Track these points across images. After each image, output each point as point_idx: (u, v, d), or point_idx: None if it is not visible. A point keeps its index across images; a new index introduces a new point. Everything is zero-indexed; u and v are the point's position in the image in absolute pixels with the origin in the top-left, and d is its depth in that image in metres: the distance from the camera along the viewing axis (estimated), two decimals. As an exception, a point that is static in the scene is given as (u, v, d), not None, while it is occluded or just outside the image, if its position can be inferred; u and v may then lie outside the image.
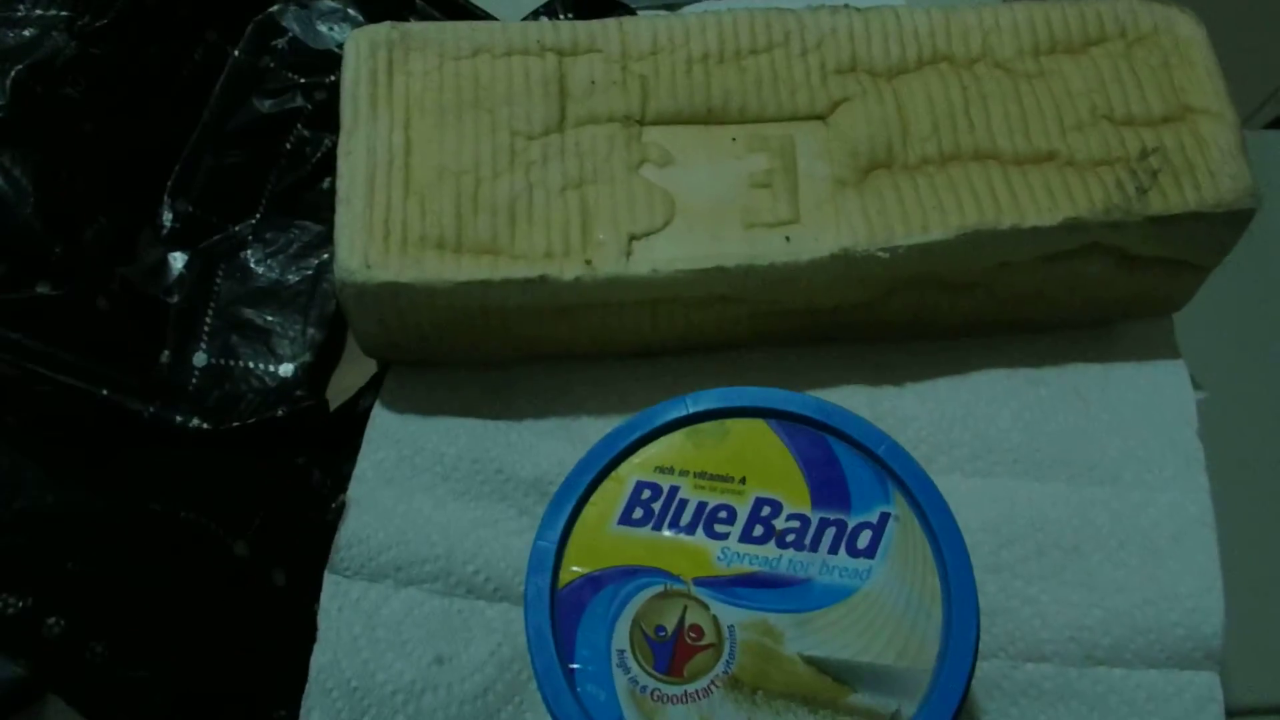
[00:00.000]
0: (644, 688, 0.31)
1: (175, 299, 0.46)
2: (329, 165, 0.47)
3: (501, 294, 0.39)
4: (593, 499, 0.33)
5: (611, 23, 0.43)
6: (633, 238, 0.39)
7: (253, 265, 0.48)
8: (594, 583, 0.32)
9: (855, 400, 0.42)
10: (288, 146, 0.50)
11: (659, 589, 0.32)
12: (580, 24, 0.43)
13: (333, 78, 0.50)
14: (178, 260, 0.47)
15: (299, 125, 0.50)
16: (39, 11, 0.47)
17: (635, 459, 0.34)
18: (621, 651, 0.31)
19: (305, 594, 0.39)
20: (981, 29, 0.42)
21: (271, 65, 0.51)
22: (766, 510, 0.33)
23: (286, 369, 0.46)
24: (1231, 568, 0.39)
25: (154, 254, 0.47)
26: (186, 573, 0.39)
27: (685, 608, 0.32)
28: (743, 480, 0.33)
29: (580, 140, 0.41)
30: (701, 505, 0.33)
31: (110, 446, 0.40)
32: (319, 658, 0.38)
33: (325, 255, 0.48)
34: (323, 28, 0.52)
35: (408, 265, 0.39)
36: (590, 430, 0.42)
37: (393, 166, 0.40)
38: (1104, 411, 0.42)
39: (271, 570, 0.40)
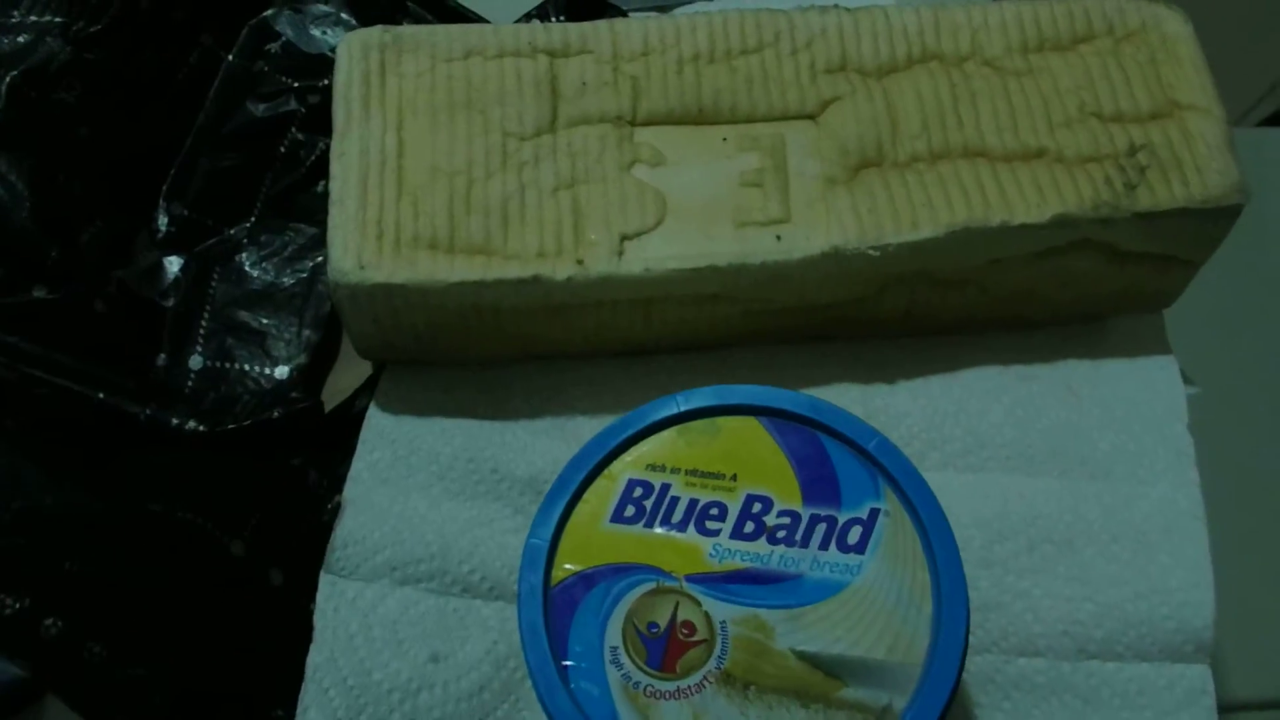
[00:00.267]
0: (637, 684, 0.31)
1: (171, 302, 0.47)
2: (323, 168, 0.48)
3: (494, 294, 0.39)
4: (585, 497, 0.34)
5: (603, 24, 0.43)
6: (624, 237, 0.40)
7: (248, 268, 0.48)
8: (587, 580, 0.32)
9: (848, 397, 0.43)
10: (282, 150, 0.50)
11: (651, 586, 0.32)
12: (571, 26, 0.43)
13: (326, 81, 0.50)
14: (173, 263, 0.48)
15: (293, 129, 0.50)
16: (34, 18, 0.47)
17: (627, 457, 0.34)
18: (614, 648, 0.31)
19: (302, 594, 0.39)
20: (970, 27, 0.43)
21: (265, 69, 0.51)
22: (757, 507, 0.33)
23: (282, 371, 0.46)
24: (1223, 562, 0.39)
25: (150, 257, 0.47)
26: (184, 573, 0.39)
27: (677, 604, 0.32)
28: (734, 477, 0.34)
29: (572, 141, 0.41)
30: (693, 502, 0.33)
31: (107, 448, 0.41)
32: (315, 657, 0.38)
33: (320, 258, 0.48)
34: (316, 32, 0.52)
35: (401, 266, 0.39)
36: (584, 429, 0.42)
37: (385, 167, 0.40)
38: (1095, 406, 0.42)
39: (268, 570, 0.41)
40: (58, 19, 0.47)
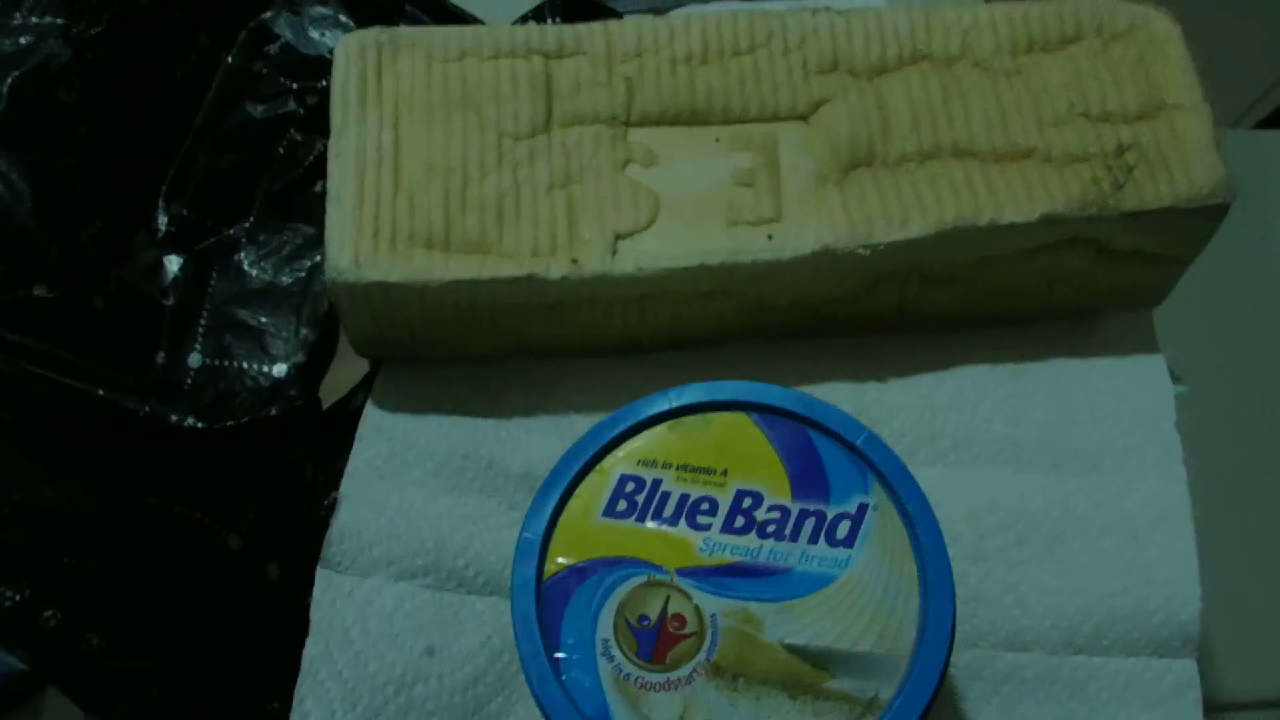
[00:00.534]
0: (627, 675, 0.31)
1: (170, 300, 0.47)
2: (322, 169, 0.48)
3: (490, 292, 0.40)
4: (578, 491, 0.34)
5: (597, 26, 0.44)
6: (618, 236, 0.40)
7: (246, 267, 0.48)
8: (579, 573, 0.33)
9: (840, 393, 0.43)
10: (281, 150, 0.51)
11: (642, 579, 0.33)
12: (566, 27, 0.44)
13: (325, 83, 0.50)
14: (173, 262, 0.48)
15: (292, 129, 0.51)
16: (35, 19, 0.47)
17: (619, 452, 0.35)
18: (605, 640, 0.32)
19: (298, 587, 0.39)
20: (961, 28, 0.43)
21: (264, 70, 0.52)
22: (748, 501, 0.33)
23: (280, 368, 0.46)
24: (1210, 558, 0.39)
25: (149, 256, 0.48)
26: (181, 566, 0.40)
27: (668, 597, 0.32)
28: (724, 472, 0.34)
29: (566, 140, 0.42)
30: (684, 497, 0.34)
31: (106, 444, 0.41)
32: (311, 649, 0.38)
33: (318, 257, 0.48)
34: (315, 33, 0.53)
35: (397, 263, 0.39)
36: (579, 425, 0.42)
37: (382, 165, 0.40)
38: (1084, 403, 0.43)
39: (265, 564, 0.41)
40: (59, 20, 0.47)
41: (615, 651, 0.31)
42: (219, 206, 0.49)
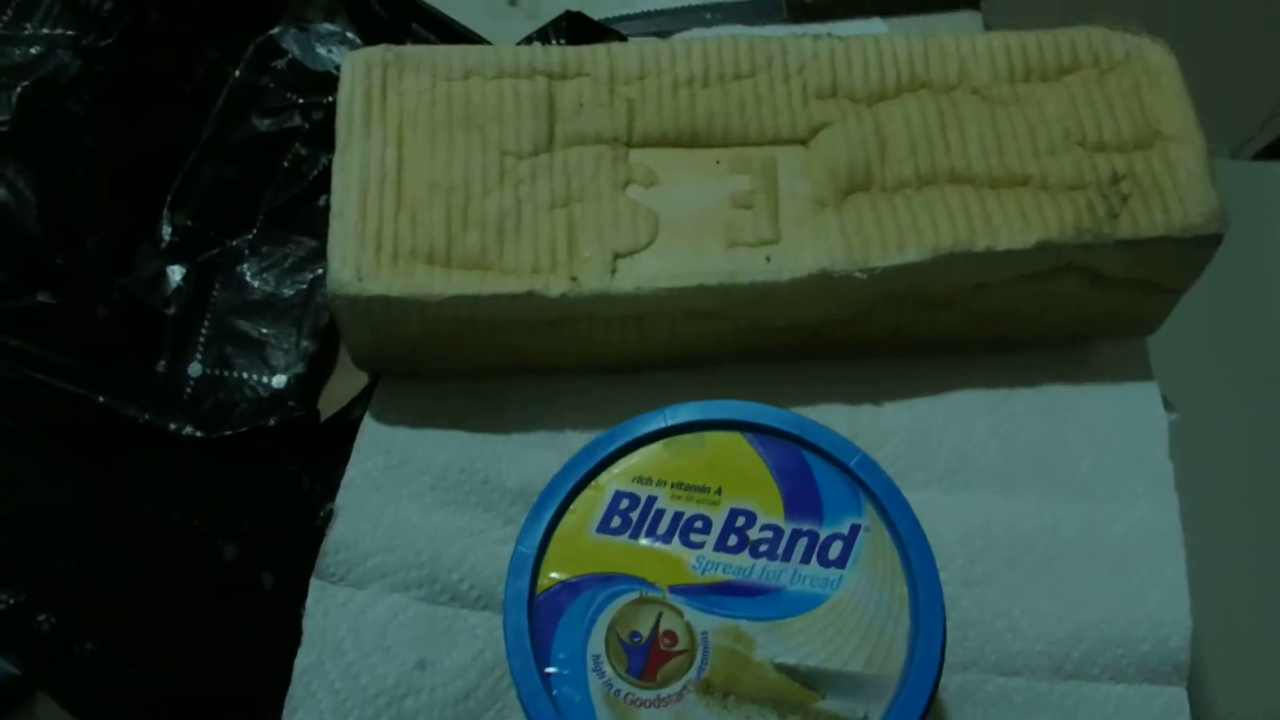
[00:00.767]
0: (618, 691, 0.31)
1: (172, 310, 0.47)
2: (325, 183, 0.48)
3: (489, 308, 0.40)
4: (572, 507, 0.34)
5: (600, 48, 0.44)
6: (617, 255, 0.41)
7: (249, 278, 0.49)
8: (571, 588, 0.33)
9: (835, 415, 0.43)
10: (285, 164, 0.51)
11: (635, 595, 0.33)
12: (570, 49, 0.44)
13: (330, 98, 0.51)
14: (176, 272, 0.48)
15: (297, 143, 0.51)
16: (45, 30, 0.48)
17: (615, 468, 0.35)
18: (597, 656, 0.32)
19: (293, 597, 0.40)
20: (959, 56, 0.44)
21: (271, 85, 0.52)
22: (741, 520, 0.34)
23: (279, 379, 0.47)
24: (1200, 585, 0.40)
25: (153, 265, 0.48)
26: (176, 574, 0.40)
27: (660, 614, 0.32)
28: (718, 491, 0.34)
29: (568, 160, 0.42)
30: (678, 515, 0.34)
31: (105, 450, 0.41)
32: (303, 660, 0.38)
33: (320, 269, 0.49)
34: (321, 50, 0.53)
35: (398, 278, 0.40)
36: (575, 441, 0.43)
37: (385, 182, 0.41)
38: (1077, 429, 0.43)
39: (260, 573, 0.41)
40: (69, 32, 0.48)
41: (606, 667, 0.32)
42: (223, 218, 0.50)
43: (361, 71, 0.43)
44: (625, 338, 0.42)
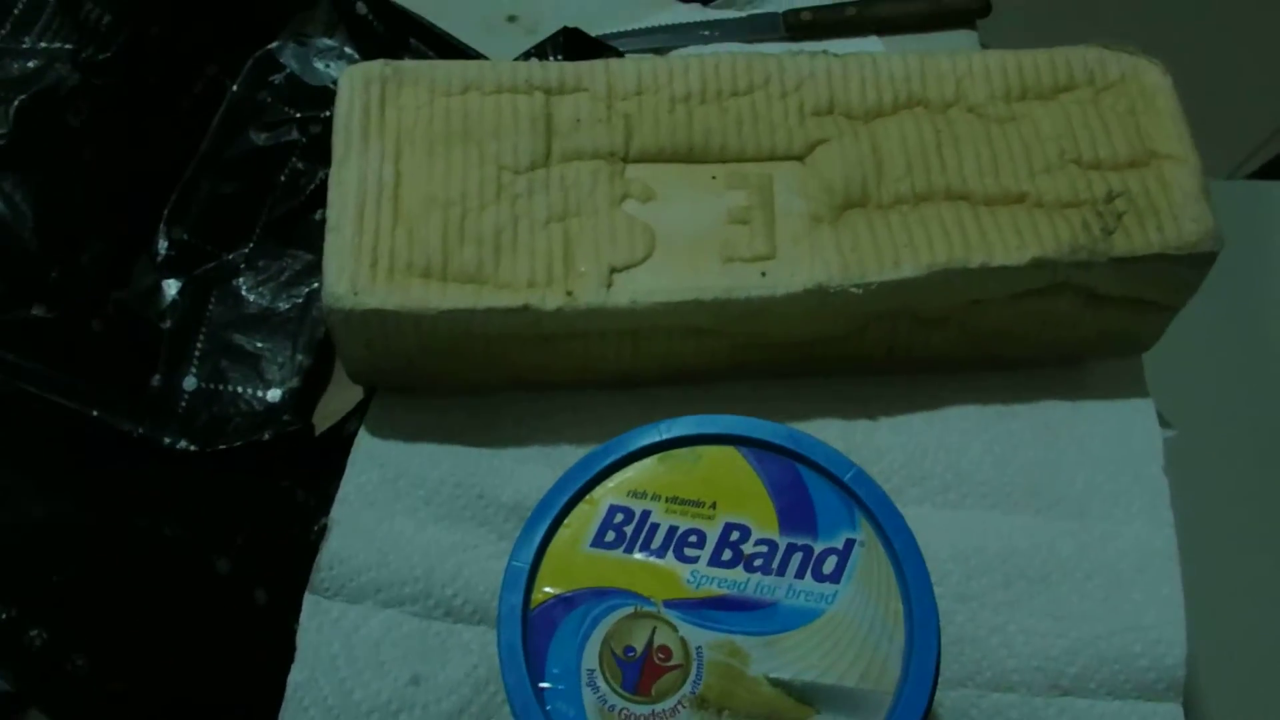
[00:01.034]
0: (612, 706, 0.31)
1: (168, 323, 0.47)
2: (322, 197, 0.48)
3: (485, 322, 0.40)
4: (567, 521, 0.34)
5: (598, 64, 0.44)
6: (613, 270, 0.41)
7: (244, 292, 0.49)
8: (566, 603, 0.33)
9: (830, 432, 0.43)
10: (282, 178, 0.51)
11: (629, 610, 0.33)
12: (568, 65, 0.44)
13: (328, 113, 0.51)
14: (171, 286, 0.48)
15: (294, 158, 0.51)
16: (44, 44, 0.48)
17: (609, 483, 0.35)
18: (591, 671, 0.32)
19: (286, 613, 0.39)
20: (955, 75, 0.44)
21: (269, 100, 0.52)
22: (735, 535, 0.34)
23: (274, 394, 0.47)
24: (1197, 605, 0.40)
25: (149, 279, 0.48)
26: (169, 589, 0.40)
27: (654, 629, 0.32)
28: (713, 505, 0.34)
29: (565, 175, 0.42)
30: (672, 529, 0.34)
31: (99, 464, 0.41)
32: (296, 675, 0.38)
33: (316, 283, 0.49)
34: (320, 65, 0.53)
35: (394, 292, 0.40)
36: (570, 457, 0.43)
37: (382, 196, 0.41)
38: (1073, 446, 0.43)
39: (253, 588, 0.41)
40: (68, 45, 0.48)
41: (600, 682, 0.32)
42: (220, 232, 0.50)
43: (359, 86, 0.43)
44: (621, 353, 0.42)
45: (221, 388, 0.46)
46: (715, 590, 0.33)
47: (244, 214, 0.50)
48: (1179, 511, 0.41)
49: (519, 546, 0.34)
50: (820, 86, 0.44)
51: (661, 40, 0.60)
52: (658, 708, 0.31)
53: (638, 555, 0.33)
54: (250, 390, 0.46)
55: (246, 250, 0.50)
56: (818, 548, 0.33)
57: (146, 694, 0.38)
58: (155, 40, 0.50)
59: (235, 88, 0.53)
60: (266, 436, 0.43)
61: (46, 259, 0.44)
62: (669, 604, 0.33)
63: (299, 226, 0.50)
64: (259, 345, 0.48)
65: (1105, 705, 0.39)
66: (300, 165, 0.51)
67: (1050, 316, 0.43)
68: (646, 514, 0.34)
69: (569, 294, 0.40)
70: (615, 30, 0.60)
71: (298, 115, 0.52)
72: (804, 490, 0.34)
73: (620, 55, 0.54)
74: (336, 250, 0.40)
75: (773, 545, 0.33)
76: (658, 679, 0.32)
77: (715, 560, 0.33)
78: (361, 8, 0.54)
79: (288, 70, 0.53)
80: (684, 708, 0.31)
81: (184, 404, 0.46)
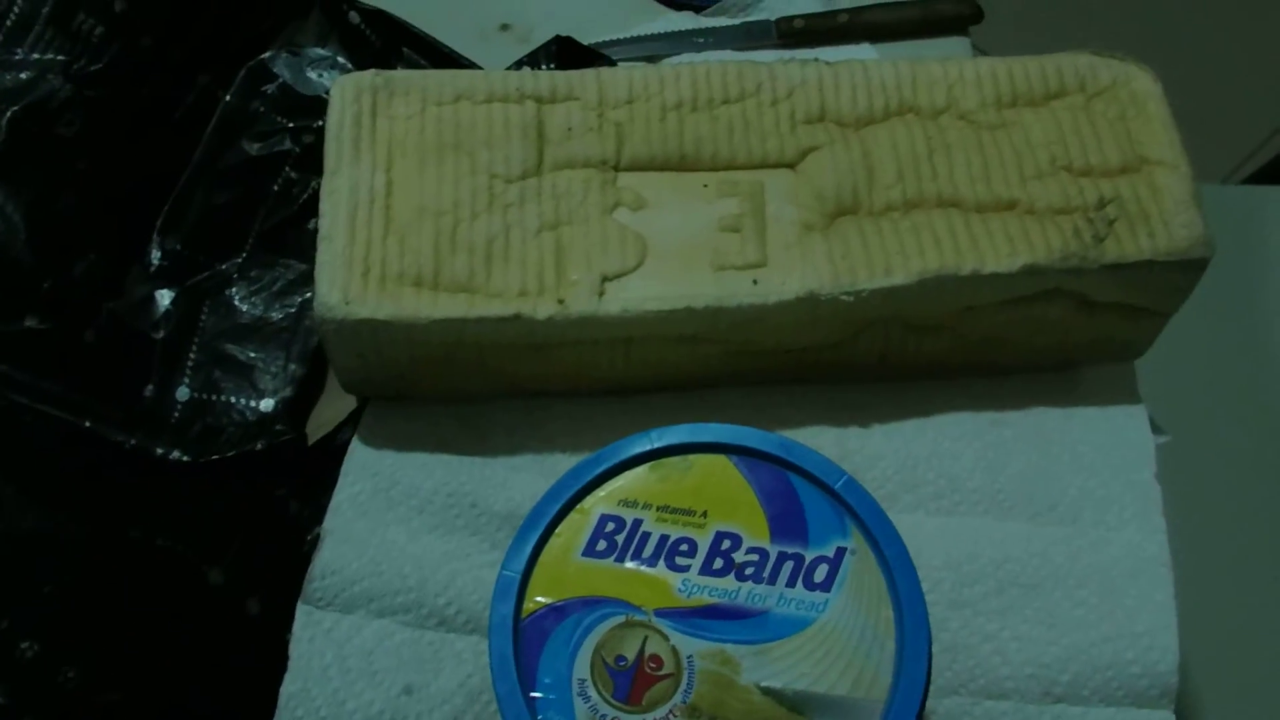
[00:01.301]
0: (604, 716, 0.31)
1: (161, 334, 0.47)
2: (315, 206, 0.49)
3: (477, 331, 0.40)
4: (558, 530, 0.34)
5: (589, 72, 0.44)
6: (605, 278, 0.41)
7: (237, 302, 0.49)
8: (557, 612, 0.33)
9: (822, 439, 0.43)
10: (275, 188, 0.51)
11: (621, 619, 0.33)
12: (559, 73, 0.44)
13: (321, 122, 0.51)
14: (164, 296, 0.48)
15: (287, 167, 0.51)
16: (36, 55, 0.48)
17: (600, 492, 0.35)
18: (582, 680, 0.32)
19: (279, 623, 0.39)
20: (946, 82, 0.44)
21: (262, 109, 0.53)
22: (727, 544, 0.34)
23: (267, 403, 0.46)
24: (1190, 611, 0.40)
25: (142, 290, 0.48)
26: (161, 600, 0.40)
27: (646, 638, 0.32)
28: (704, 514, 0.34)
29: (556, 184, 0.42)
30: (664, 538, 0.34)
31: (91, 475, 0.41)
32: (289, 686, 0.38)
33: (309, 293, 0.49)
34: (312, 74, 0.53)
35: (386, 302, 0.40)
36: (563, 465, 0.42)
37: (374, 206, 0.41)
38: (1065, 453, 0.43)
39: (246, 599, 0.41)
40: (60, 57, 0.48)
41: (592, 692, 0.32)
42: (212, 242, 0.50)
43: (351, 96, 0.43)
44: (613, 361, 0.42)
45: (214, 398, 0.46)
46: (706, 599, 0.33)
47: (237, 224, 0.50)
48: (1171, 518, 0.41)
49: (510, 555, 0.34)
50: (811, 94, 0.44)
51: (654, 48, 0.60)
52: (649, 717, 0.31)
53: (629, 564, 0.33)
54: (243, 400, 0.46)
55: (239, 260, 0.50)
56: (809, 556, 0.33)
57: (139, 705, 0.38)
58: (148, 51, 0.50)
59: (228, 98, 0.53)
60: (260, 446, 0.43)
61: (39, 270, 0.44)
62: (660, 613, 0.33)
63: (292, 236, 0.50)
64: (252, 355, 0.48)
65: (1099, 712, 0.39)
66: (293, 175, 0.51)
67: (1042, 323, 0.43)
68: (638, 523, 0.34)
69: (561, 302, 0.40)
70: (608, 38, 0.60)
71: (290, 125, 0.52)
72: (795, 498, 0.34)
73: (613, 64, 0.54)
74: (328, 260, 0.40)
75: (764, 554, 0.33)
76: (649, 688, 0.32)
77: (706, 569, 0.33)
78: (354, 17, 0.54)
79: (280, 80, 0.53)
80: (675, 717, 0.31)
81: (177, 414, 0.46)
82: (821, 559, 0.33)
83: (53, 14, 0.49)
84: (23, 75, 0.47)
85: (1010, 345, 0.44)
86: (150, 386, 0.46)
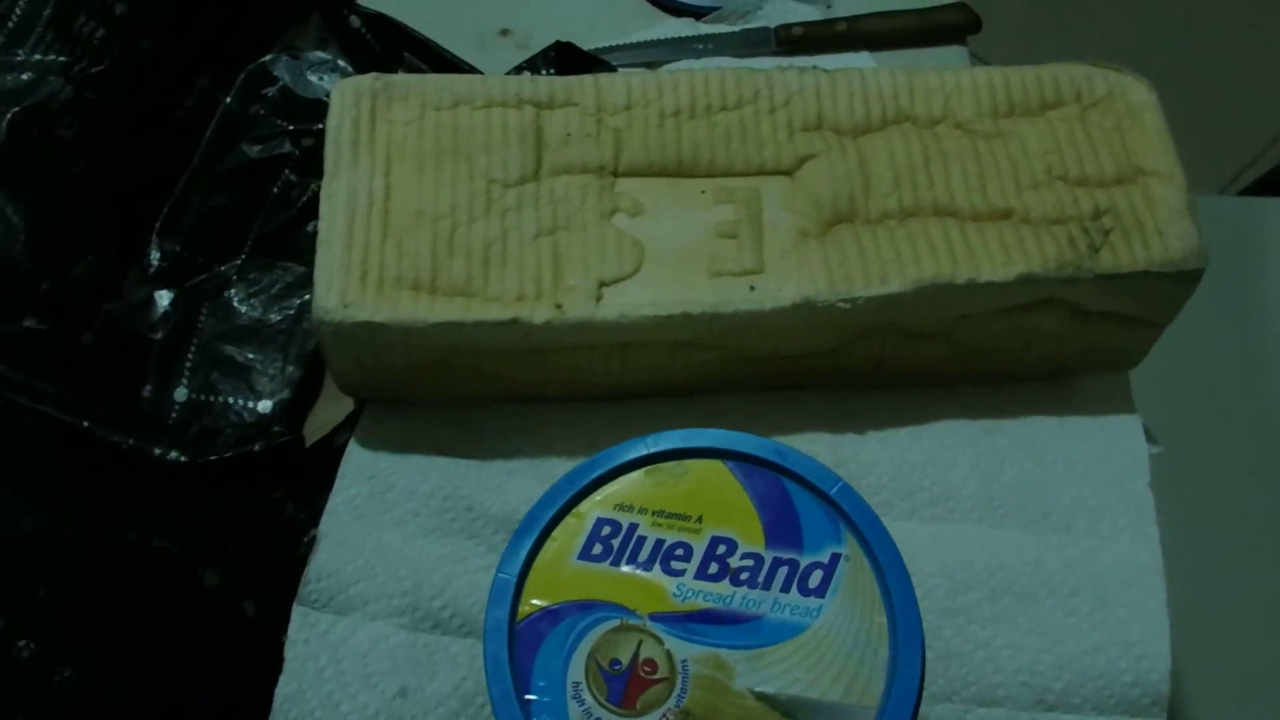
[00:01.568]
0: (598, 719, 0.31)
1: (159, 335, 0.48)
2: (314, 209, 0.49)
3: (474, 335, 0.40)
4: (554, 534, 0.34)
5: (588, 78, 0.45)
6: (602, 284, 0.41)
7: (236, 304, 0.49)
8: (552, 615, 0.33)
9: (818, 446, 0.43)
10: (274, 191, 0.51)
11: (615, 623, 0.33)
12: (558, 79, 0.45)
13: (320, 126, 0.51)
14: (163, 298, 0.49)
15: (286, 170, 0.52)
16: (37, 56, 0.48)
17: (596, 496, 0.35)
18: (577, 683, 0.32)
19: (275, 625, 0.39)
20: (943, 91, 0.44)
21: (262, 113, 0.53)
22: (722, 549, 0.34)
23: (265, 405, 0.47)
24: (1182, 620, 0.40)
25: (140, 291, 0.48)
26: (157, 601, 0.40)
27: (640, 642, 0.32)
28: (700, 519, 0.34)
29: (554, 189, 0.42)
30: (659, 542, 0.34)
31: (89, 476, 0.41)
32: (284, 688, 0.38)
33: (307, 295, 0.49)
34: (313, 78, 0.54)
35: (383, 305, 0.40)
36: (559, 470, 0.43)
37: (372, 210, 0.41)
38: (1059, 462, 0.43)
39: (241, 601, 0.41)
40: (60, 59, 0.48)
41: (586, 695, 0.32)
42: (211, 244, 0.50)
43: (350, 100, 0.43)
44: (609, 367, 0.43)
45: (212, 399, 0.47)
46: (701, 604, 0.33)
47: (236, 226, 0.50)
48: (1165, 527, 0.41)
49: (506, 559, 0.34)
50: (809, 102, 0.44)
51: (654, 54, 0.60)
52: (643, 721, 0.31)
53: (624, 568, 0.34)
54: (241, 401, 0.47)
55: (238, 262, 0.50)
56: (803, 562, 0.33)
57: (134, 706, 0.38)
58: (148, 54, 0.50)
59: (228, 100, 0.53)
60: (257, 448, 0.43)
61: (38, 271, 0.44)
62: (655, 617, 0.33)
63: (291, 239, 0.50)
64: (250, 357, 0.48)
65: (1091, 720, 0.39)
66: (292, 178, 0.51)
67: (1037, 332, 0.43)
68: (634, 527, 0.34)
69: (558, 307, 0.40)
70: (607, 44, 0.60)
71: (290, 128, 0.52)
72: (790, 504, 0.34)
73: (611, 69, 0.54)
74: (327, 263, 0.40)
75: (759, 559, 0.33)
76: (643, 692, 0.32)
77: (701, 574, 0.33)
78: (355, 21, 0.54)
79: (280, 83, 0.53)
80: (669, 721, 0.31)
81: (175, 415, 0.46)
82: (816, 565, 0.33)
83: (54, 16, 0.49)
84: (23, 77, 0.47)
85: (1005, 354, 0.44)
86: (148, 387, 0.46)
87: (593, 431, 0.44)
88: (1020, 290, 0.41)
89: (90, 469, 0.41)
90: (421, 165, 0.42)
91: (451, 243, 0.41)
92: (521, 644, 0.32)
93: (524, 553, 0.34)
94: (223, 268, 0.50)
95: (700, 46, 0.61)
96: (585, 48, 0.55)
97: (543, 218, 0.42)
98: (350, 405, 0.45)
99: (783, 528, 0.34)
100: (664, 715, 0.31)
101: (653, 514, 0.34)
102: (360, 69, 0.53)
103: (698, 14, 0.63)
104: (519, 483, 0.43)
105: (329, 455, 0.44)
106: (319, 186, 0.42)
